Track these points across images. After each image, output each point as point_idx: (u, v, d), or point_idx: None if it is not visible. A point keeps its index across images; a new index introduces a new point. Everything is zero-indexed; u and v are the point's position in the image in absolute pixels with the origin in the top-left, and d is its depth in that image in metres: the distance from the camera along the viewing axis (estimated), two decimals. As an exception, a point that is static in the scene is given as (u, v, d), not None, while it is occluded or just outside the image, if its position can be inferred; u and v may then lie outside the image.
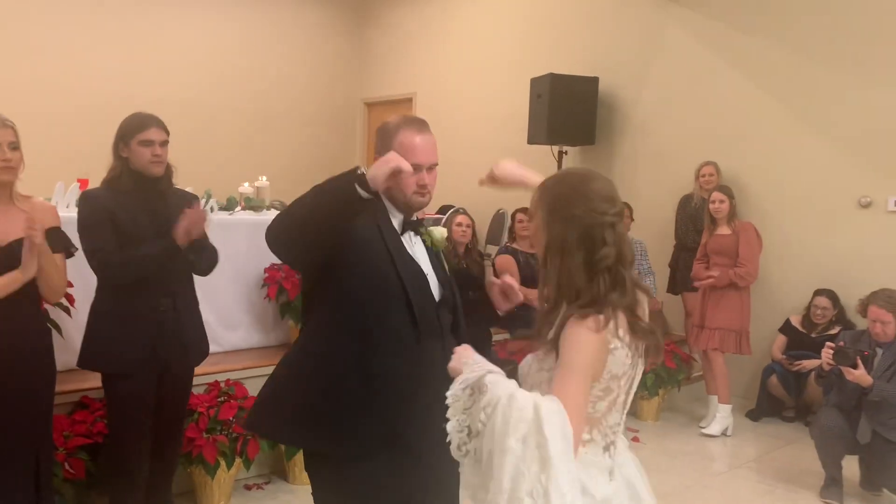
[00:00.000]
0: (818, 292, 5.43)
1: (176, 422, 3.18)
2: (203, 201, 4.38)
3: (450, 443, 1.52)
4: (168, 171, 3.00)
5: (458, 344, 1.68)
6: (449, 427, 1.50)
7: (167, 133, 2.96)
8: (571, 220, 1.62)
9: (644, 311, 1.70)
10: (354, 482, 1.95)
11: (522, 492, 1.40)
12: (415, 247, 2.09)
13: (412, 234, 2.09)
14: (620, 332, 1.61)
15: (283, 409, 2.04)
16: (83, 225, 2.85)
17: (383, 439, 1.94)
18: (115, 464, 3.00)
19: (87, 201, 2.89)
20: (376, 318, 1.95)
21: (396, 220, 2.07)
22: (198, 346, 3.14)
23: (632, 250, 1.71)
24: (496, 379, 1.51)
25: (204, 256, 3.06)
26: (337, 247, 1.92)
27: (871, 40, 5.37)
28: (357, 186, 1.83)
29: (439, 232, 2.17)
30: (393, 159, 1.88)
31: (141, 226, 2.88)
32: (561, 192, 1.66)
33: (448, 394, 1.52)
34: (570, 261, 1.62)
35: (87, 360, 2.96)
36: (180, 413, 3.19)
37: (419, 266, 2.05)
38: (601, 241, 1.61)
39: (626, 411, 1.74)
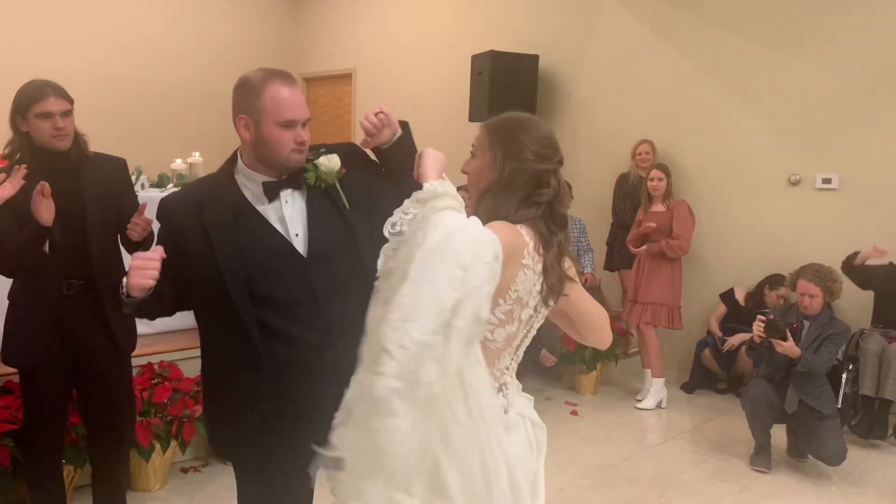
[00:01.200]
0: (780, 281, 5.31)
1: (120, 417, 2.94)
2: (133, 178, 4.23)
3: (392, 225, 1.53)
4: (79, 141, 2.72)
5: (360, 291, 1.62)
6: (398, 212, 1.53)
7: (70, 101, 2.66)
8: (523, 162, 1.71)
9: (564, 257, 1.75)
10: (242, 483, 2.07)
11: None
12: (286, 207, 1.92)
13: (290, 190, 1.93)
14: (533, 252, 1.67)
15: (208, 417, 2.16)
16: None
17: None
18: (29, 459, 2.88)
19: None
20: (211, 328, 1.98)
21: (254, 191, 1.92)
22: (125, 332, 2.89)
23: (567, 198, 1.81)
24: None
25: (148, 245, 2.82)
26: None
27: (804, 20, 5.50)
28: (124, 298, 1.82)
29: (329, 161, 1.94)
30: (133, 284, 1.78)
31: None
32: (513, 135, 1.74)
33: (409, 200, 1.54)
34: (511, 197, 1.71)
35: (4, 355, 2.82)
36: (124, 406, 2.97)
37: (277, 243, 1.89)
38: (545, 183, 1.73)
39: (517, 357, 1.79)
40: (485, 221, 1.61)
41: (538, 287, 1.69)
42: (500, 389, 1.74)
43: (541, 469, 1.84)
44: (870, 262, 4.66)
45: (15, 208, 2.58)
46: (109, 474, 3.01)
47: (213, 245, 1.85)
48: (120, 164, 2.91)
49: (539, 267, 1.68)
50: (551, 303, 1.74)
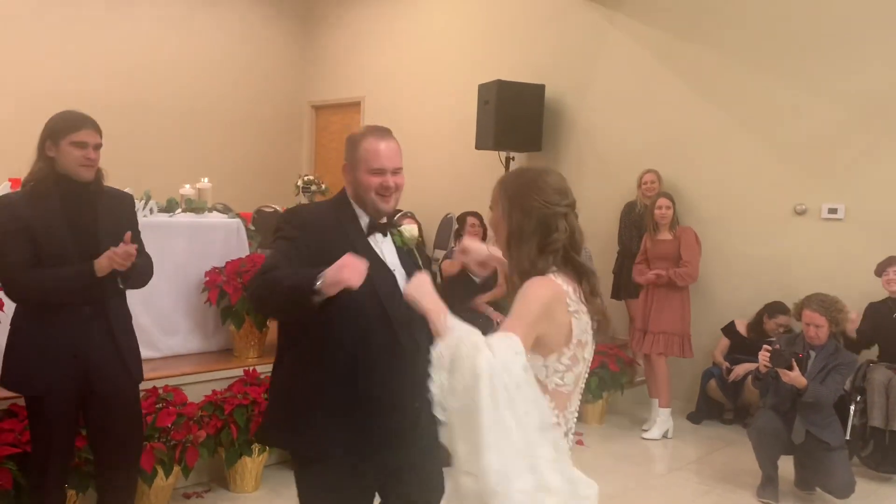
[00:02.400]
0: (779, 310, 5.36)
1: (129, 445, 2.93)
2: (142, 203, 4.27)
3: (434, 404, 1.62)
4: (98, 175, 2.78)
5: (428, 336, 1.78)
6: (432, 386, 1.61)
7: (101, 136, 2.75)
8: (529, 210, 1.80)
9: (600, 296, 1.86)
10: (314, 482, 2.18)
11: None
12: (382, 245, 2.24)
13: (380, 235, 2.25)
14: (575, 297, 1.76)
15: (272, 417, 2.32)
16: None
17: (340, 440, 2.12)
18: (35, 487, 2.84)
19: (2, 209, 2.66)
20: (359, 339, 2.12)
21: (363, 223, 2.24)
22: (134, 360, 2.91)
23: (583, 241, 1.87)
24: (463, 335, 1.64)
25: (133, 275, 2.80)
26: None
27: (810, 50, 5.54)
28: (313, 295, 1.93)
29: (409, 231, 2.30)
30: (342, 280, 1.90)
31: (59, 238, 2.66)
32: (519, 186, 1.84)
33: (432, 354, 1.64)
34: (528, 246, 1.79)
35: (8, 381, 2.79)
36: (133, 434, 2.95)
37: (386, 265, 2.21)
38: (554, 228, 1.79)
39: (581, 394, 1.85)
40: (512, 274, 1.80)
41: (592, 325, 1.80)
42: (566, 434, 1.80)
43: None
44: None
45: (28, 235, 2.61)
46: (116, 502, 2.98)
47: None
48: (129, 199, 3.04)
49: (584, 308, 1.77)
50: (599, 338, 1.85)
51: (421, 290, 1.78)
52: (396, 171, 2.22)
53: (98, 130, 2.75)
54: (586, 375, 1.85)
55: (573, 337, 1.74)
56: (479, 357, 1.56)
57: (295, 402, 2.18)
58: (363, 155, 2.19)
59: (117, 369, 2.82)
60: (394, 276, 2.20)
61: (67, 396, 2.75)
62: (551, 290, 1.73)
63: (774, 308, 5.42)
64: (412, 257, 2.30)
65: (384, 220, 2.26)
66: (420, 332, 2.04)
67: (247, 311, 4.31)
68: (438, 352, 1.62)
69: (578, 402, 1.85)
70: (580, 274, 1.81)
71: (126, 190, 3.89)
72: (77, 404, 2.81)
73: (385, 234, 2.26)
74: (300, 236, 2.16)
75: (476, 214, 5.85)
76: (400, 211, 6.25)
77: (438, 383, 1.60)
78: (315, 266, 1.97)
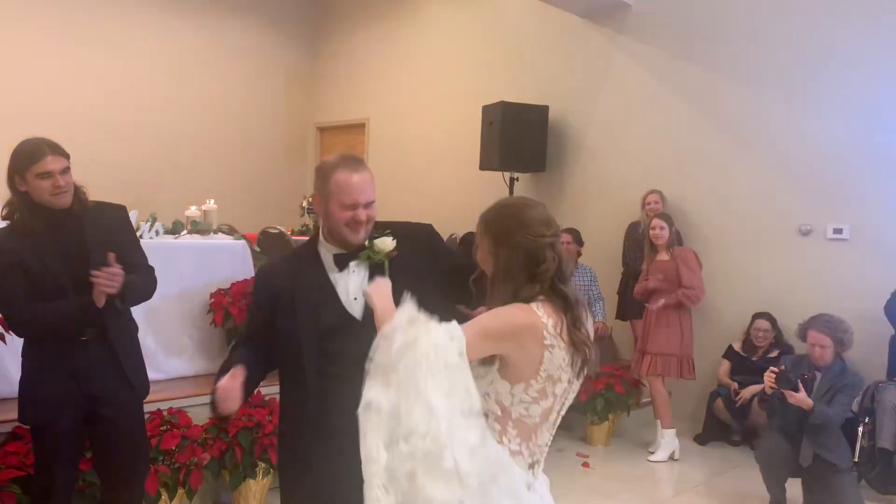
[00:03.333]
0: (758, 315, 5.57)
1: (124, 468, 2.88)
2: (148, 224, 4.29)
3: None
4: (79, 194, 2.69)
5: None
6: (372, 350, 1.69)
7: (66, 157, 2.64)
8: (516, 247, 1.79)
9: (585, 327, 1.81)
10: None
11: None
12: (350, 277, 2.20)
13: (352, 263, 2.20)
14: (554, 331, 1.73)
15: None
16: None
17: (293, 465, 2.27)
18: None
19: None
20: (288, 367, 2.28)
21: (327, 261, 2.21)
22: (139, 376, 2.89)
23: (570, 269, 1.89)
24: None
25: (129, 293, 2.75)
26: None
27: (814, 71, 5.57)
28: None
29: (382, 243, 2.18)
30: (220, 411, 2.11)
31: (52, 269, 2.62)
32: (502, 223, 1.83)
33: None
34: (513, 280, 1.78)
35: (21, 413, 2.78)
36: (138, 452, 2.94)
37: (339, 303, 2.19)
38: (542, 259, 1.78)
39: (553, 429, 1.85)
40: (492, 305, 1.79)
41: (568, 360, 1.76)
42: (531, 466, 1.78)
43: None
44: None
45: (22, 268, 2.60)
46: None
47: (296, 309, 2.18)
48: (119, 210, 2.91)
49: (563, 343, 1.74)
50: (583, 374, 1.82)
51: (379, 291, 1.83)
52: (369, 205, 2.15)
53: (61, 153, 2.63)
54: (561, 411, 1.84)
55: (542, 370, 1.72)
56: (416, 330, 1.62)
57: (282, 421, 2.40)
58: (334, 188, 2.12)
59: (120, 390, 2.80)
60: (346, 313, 2.18)
61: (70, 423, 2.73)
62: (528, 318, 1.72)
63: (754, 316, 5.51)
64: (382, 270, 2.19)
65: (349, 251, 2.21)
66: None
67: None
68: (381, 332, 1.69)
69: (549, 437, 1.84)
70: (566, 304, 1.78)
71: (132, 213, 3.91)
72: (81, 428, 2.79)
73: (352, 262, 2.20)
74: (255, 301, 2.42)
75: None
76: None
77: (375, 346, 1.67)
78: (281, 321, 2.18)
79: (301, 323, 2.17)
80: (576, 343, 1.75)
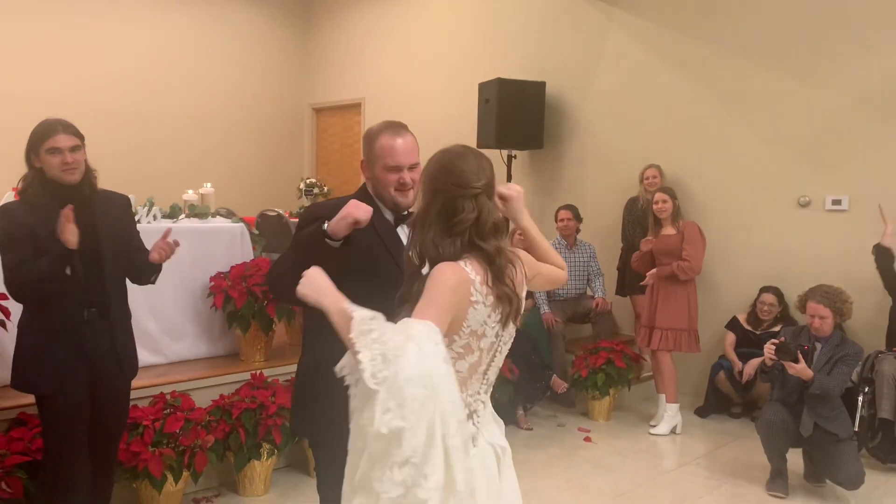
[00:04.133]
0: (764, 289, 5.55)
1: (114, 439, 3.03)
2: (145, 209, 4.29)
3: (364, 374, 1.56)
4: (88, 175, 2.84)
5: None
6: (362, 358, 1.53)
7: (79, 137, 2.79)
8: (436, 193, 1.79)
9: (513, 279, 1.81)
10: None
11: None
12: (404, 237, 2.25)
13: (406, 227, 2.26)
14: (480, 287, 1.74)
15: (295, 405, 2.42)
16: (2, 240, 2.71)
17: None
18: (54, 483, 2.87)
19: (5, 216, 2.74)
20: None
21: (388, 216, 2.29)
22: (130, 360, 3.00)
23: (497, 223, 1.82)
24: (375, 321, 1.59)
25: (149, 271, 2.98)
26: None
27: (811, 42, 5.53)
28: (327, 239, 2.06)
29: None
30: (349, 214, 2.04)
31: (62, 241, 2.68)
32: (432, 168, 1.84)
33: (352, 334, 1.56)
34: (433, 229, 1.78)
35: (18, 382, 2.84)
36: (119, 430, 3.06)
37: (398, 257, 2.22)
38: (459, 209, 1.77)
39: (487, 381, 1.86)
40: (419, 254, 1.79)
41: (494, 316, 1.77)
42: (469, 416, 1.80)
43: (513, 487, 1.94)
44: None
45: (32, 238, 2.68)
46: (100, 498, 3.02)
47: (386, 246, 2.22)
48: (126, 201, 3.08)
49: (490, 299, 1.75)
50: (511, 325, 1.82)
51: (315, 285, 1.69)
52: (413, 167, 2.25)
53: (74, 133, 2.78)
54: (495, 365, 1.85)
55: (465, 326, 1.73)
56: (407, 345, 1.53)
57: (318, 389, 2.23)
58: (379, 152, 2.23)
59: (114, 371, 2.90)
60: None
61: (77, 394, 2.81)
62: (458, 275, 1.72)
63: (761, 290, 5.50)
64: None
65: (406, 212, 2.31)
66: None
67: (252, 315, 4.32)
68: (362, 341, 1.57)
69: (482, 387, 1.85)
70: (488, 259, 1.77)
71: (130, 196, 3.91)
72: (86, 403, 2.86)
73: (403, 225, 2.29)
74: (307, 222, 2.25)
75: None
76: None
77: (370, 357, 1.54)
78: (340, 256, 2.07)
79: (385, 262, 2.17)
80: (500, 296, 1.76)
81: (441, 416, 1.52)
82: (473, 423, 1.82)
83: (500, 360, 1.87)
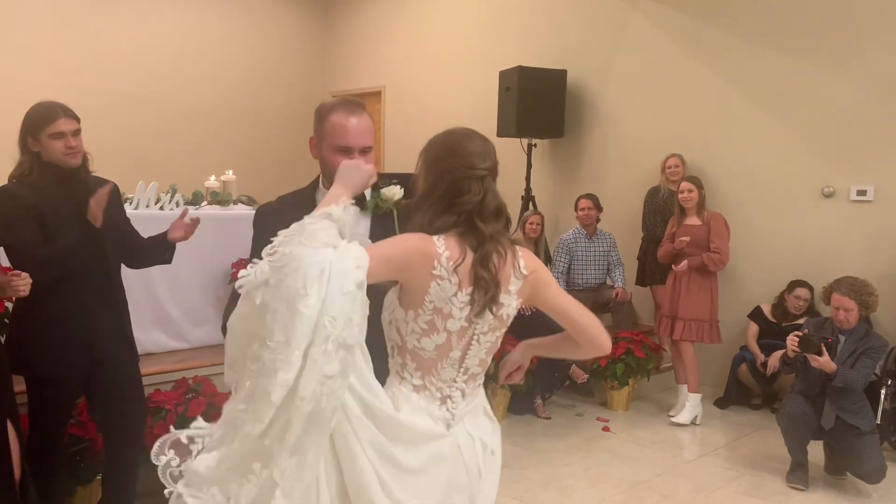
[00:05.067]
0: (798, 283, 5.41)
1: (128, 427, 2.97)
2: (168, 196, 4.32)
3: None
4: (84, 159, 2.83)
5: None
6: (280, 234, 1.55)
7: (77, 120, 2.78)
8: (442, 173, 1.75)
9: (498, 268, 1.74)
10: None
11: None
12: (358, 226, 2.06)
13: (357, 210, 2.05)
14: (447, 263, 1.69)
15: None
16: (5, 221, 2.68)
17: None
18: (33, 461, 2.85)
19: (8, 197, 2.72)
20: None
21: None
22: (131, 346, 2.99)
23: (499, 207, 1.78)
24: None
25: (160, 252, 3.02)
26: None
27: (837, 30, 5.45)
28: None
29: (390, 192, 2.07)
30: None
31: (66, 220, 2.71)
32: (437, 149, 1.80)
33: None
34: (432, 208, 1.75)
35: (12, 363, 2.80)
36: (140, 408, 3.05)
37: None
38: (465, 190, 1.74)
39: (465, 370, 1.78)
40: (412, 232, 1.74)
41: (462, 297, 1.70)
42: (442, 401, 1.76)
43: (490, 493, 1.86)
44: None
45: (39, 218, 2.67)
46: (123, 481, 3.01)
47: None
48: (116, 187, 3.00)
49: (455, 278, 1.69)
50: (489, 313, 1.74)
51: (345, 179, 1.76)
52: (365, 151, 2.03)
53: (72, 116, 2.76)
54: (472, 354, 1.77)
55: (427, 300, 1.68)
56: (321, 251, 1.50)
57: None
58: (329, 130, 2.03)
59: (123, 355, 2.91)
60: None
61: (73, 383, 2.83)
62: (422, 245, 1.68)
63: (794, 283, 5.40)
64: (391, 220, 2.08)
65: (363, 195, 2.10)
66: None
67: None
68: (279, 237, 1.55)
69: (459, 376, 1.77)
70: (480, 240, 1.72)
71: (152, 183, 3.94)
72: (79, 390, 2.89)
73: (361, 207, 2.03)
74: (254, 244, 2.12)
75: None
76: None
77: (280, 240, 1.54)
78: None
79: None
80: (477, 279, 1.70)
81: (318, 322, 1.47)
82: (447, 410, 1.77)
83: (480, 352, 1.78)
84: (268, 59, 9.14)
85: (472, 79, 7.75)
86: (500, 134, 6.76)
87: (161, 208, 4.19)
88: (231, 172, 5.27)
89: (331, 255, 1.51)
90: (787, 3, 5.69)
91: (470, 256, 1.70)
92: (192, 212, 3.18)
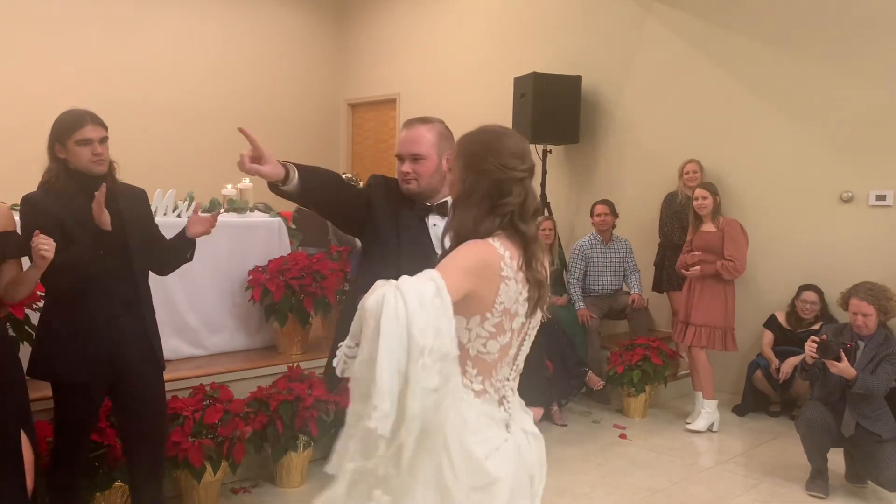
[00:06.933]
0: (805, 287, 5.44)
1: (146, 438, 2.96)
2: (185, 203, 4.36)
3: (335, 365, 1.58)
4: (111, 167, 2.84)
5: None
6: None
7: (105, 128, 2.79)
8: (483, 173, 1.75)
9: (544, 265, 1.80)
10: None
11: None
12: (433, 230, 2.39)
13: (438, 216, 2.39)
14: (511, 262, 1.71)
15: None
16: (28, 229, 2.64)
17: None
18: (58, 477, 2.90)
19: (32, 205, 2.72)
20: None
21: (418, 206, 2.42)
22: (161, 353, 2.99)
23: (537, 208, 1.81)
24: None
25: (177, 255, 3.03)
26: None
27: (852, 35, 5.41)
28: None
29: None
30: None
31: (89, 230, 2.70)
32: (476, 148, 1.80)
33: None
34: (478, 210, 1.75)
35: (38, 369, 2.81)
36: (149, 428, 2.98)
37: (426, 247, 2.35)
38: (507, 192, 1.74)
39: (517, 367, 1.83)
40: (454, 235, 1.76)
41: (524, 295, 1.74)
42: (500, 403, 1.79)
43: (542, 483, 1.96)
44: None
45: (60, 227, 2.67)
46: (148, 489, 3.02)
47: (400, 239, 2.34)
48: (144, 194, 3.07)
49: (521, 276, 1.72)
50: (539, 313, 1.80)
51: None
52: (415, 158, 2.34)
53: (100, 124, 2.78)
54: (523, 351, 1.82)
55: (497, 303, 1.69)
56: (377, 290, 1.51)
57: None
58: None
59: (147, 363, 2.91)
60: (427, 258, 2.17)
61: (98, 389, 2.84)
62: (486, 250, 1.69)
63: (802, 288, 5.39)
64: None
65: (431, 203, 2.40)
66: None
67: (290, 309, 4.37)
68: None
69: (512, 373, 1.81)
70: (524, 241, 1.74)
71: (170, 191, 3.97)
72: (102, 399, 2.90)
73: (442, 216, 2.35)
74: (367, 187, 2.53)
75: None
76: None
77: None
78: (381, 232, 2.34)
79: (402, 259, 2.24)
80: (530, 280, 1.73)
81: (408, 344, 1.45)
82: (505, 409, 1.79)
83: (527, 347, 1.84)
84: (284, 68, 9.21)
85: (487, 85, 7.76)
86: (515, 140, 6.77)
87: (179, 216, 4.23)
88: (248, 180, 5.30)
89: (389, 286, 1.50)
90: (804, 7, 5.66)
91: (520, 255, 1.74)
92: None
